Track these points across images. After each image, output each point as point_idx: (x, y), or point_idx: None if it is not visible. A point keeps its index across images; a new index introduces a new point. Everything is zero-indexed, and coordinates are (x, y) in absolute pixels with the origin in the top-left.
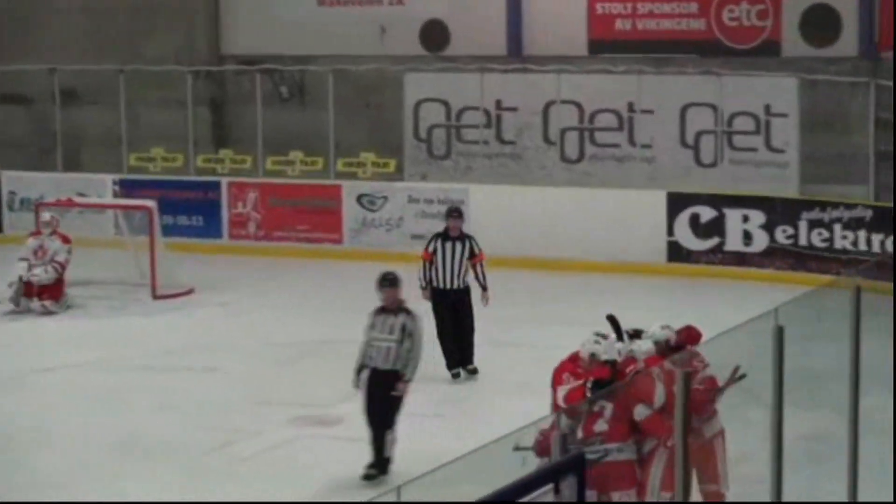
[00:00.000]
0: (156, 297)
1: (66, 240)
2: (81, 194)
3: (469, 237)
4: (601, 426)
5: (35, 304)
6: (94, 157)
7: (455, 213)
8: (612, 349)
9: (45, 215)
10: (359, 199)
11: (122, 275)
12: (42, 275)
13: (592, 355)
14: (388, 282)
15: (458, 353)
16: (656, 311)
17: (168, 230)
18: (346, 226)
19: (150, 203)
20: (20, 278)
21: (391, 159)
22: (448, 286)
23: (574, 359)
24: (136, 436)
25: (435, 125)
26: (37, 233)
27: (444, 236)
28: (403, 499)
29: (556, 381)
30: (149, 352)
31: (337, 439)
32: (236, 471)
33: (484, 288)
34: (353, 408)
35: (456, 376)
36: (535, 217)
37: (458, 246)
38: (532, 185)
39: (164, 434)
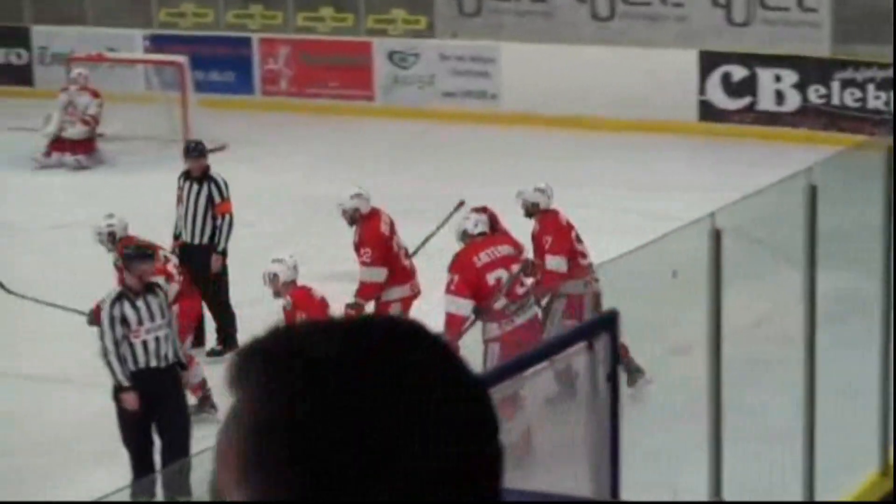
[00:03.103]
0: None
1: (95, 94)
2: (112, 49)
3: (214, 179)
4: None
5: (68, 158)
6: (123, 12)
7: (195, 150)
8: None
9: (75, 70)
10: (390, 56)
11: (154, 130)
12: (73, 130)
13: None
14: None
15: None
16: (687, 169)
17: (199, 86)
18: (377, 83)
19: (181, 58)
20: (52, 133)
21: (422, 16)
22: (191, 240)
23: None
24: None
25: None
26: (67, 88)
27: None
28: None
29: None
30: None
31: None
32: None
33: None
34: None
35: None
36: (566, 75)
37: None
38: (563, 44)
39: None
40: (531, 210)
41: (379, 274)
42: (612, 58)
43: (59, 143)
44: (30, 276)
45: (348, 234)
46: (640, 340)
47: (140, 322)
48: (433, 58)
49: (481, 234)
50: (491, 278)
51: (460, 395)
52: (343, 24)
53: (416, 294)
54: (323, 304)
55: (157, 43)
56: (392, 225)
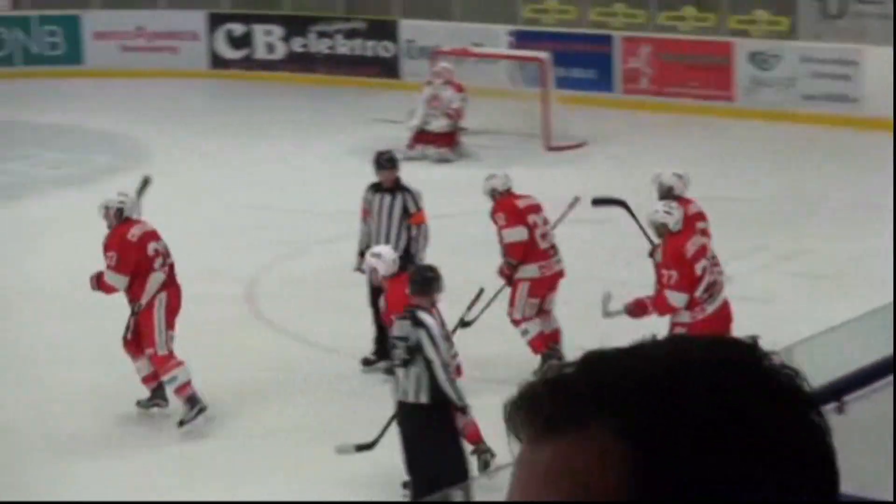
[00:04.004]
0: (548, 148)
1: (459, 89)
2: (477, 44)
3: (407, 189)
4: None
5: (430, 150)
6: (489, 8)
7: (387, 161)
8: None
9: (440, 64)
10: (751, 57)
11: (515, 125)
12: (437, 123)
13: None
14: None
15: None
16: None
17: (561, 83)
18: (737, 84)
19: (544, 55)
20: (416, 126)
21: (784, 17)
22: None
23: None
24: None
25: None
26: (432, 81)
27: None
28: None
29: None
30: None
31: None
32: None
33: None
34: (744, 266)
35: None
36: None
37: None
38: None
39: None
40: (664, 194)
41: (520, 233)
42: None
43: (422, 136)
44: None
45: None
46: None
47: None
48: (795, 60)
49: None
50: (698, 268)
51: (799, 415)
52: (705, 24)
53: (544, 276)
54: (525, 210)
55: (521, 39)
56: (532, 207)
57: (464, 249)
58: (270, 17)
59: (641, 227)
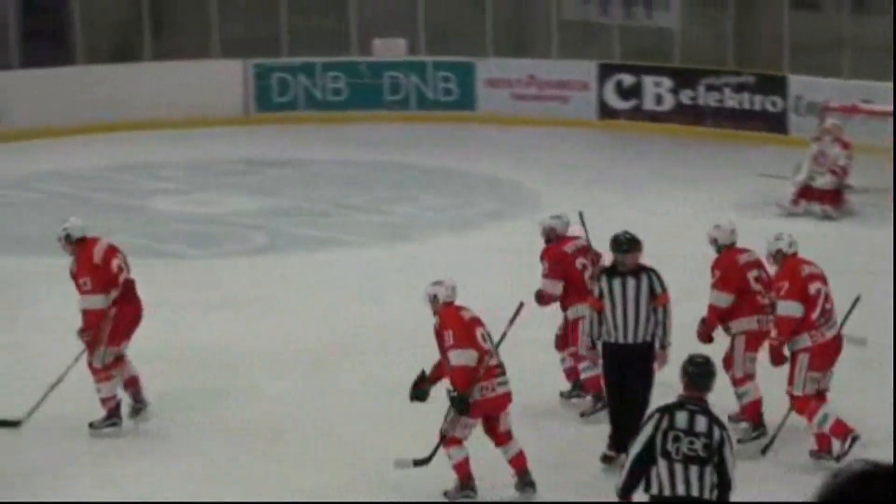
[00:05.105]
0: None
1: (846, 146)
2: (866, 101)
3: (651, 270)
4: None
5: (815, 207)
6: (878, 64)
7: (628, 243)
8: None
9: (828, 121)
10: None
11: None
12: (822, 180)
13: None
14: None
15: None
16: None
17: None
18: None
19: None
20: (801, 182)
21: None
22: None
23: None
24: None
25: None
26: (819, 138)
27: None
28: None
29: None
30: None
31: None
32: None
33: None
34: None
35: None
36: None
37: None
38: None
39: None
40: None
41: (554, 286)
42: None
43: (807, 192)
44: None
45: None
46: None
47: None
48: None
49: (794, 252)
50: (812, 289)
51: None
52: None
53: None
54: (472, 322)
55: None
56: (579, 250)
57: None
58: (660, 69)
59: None
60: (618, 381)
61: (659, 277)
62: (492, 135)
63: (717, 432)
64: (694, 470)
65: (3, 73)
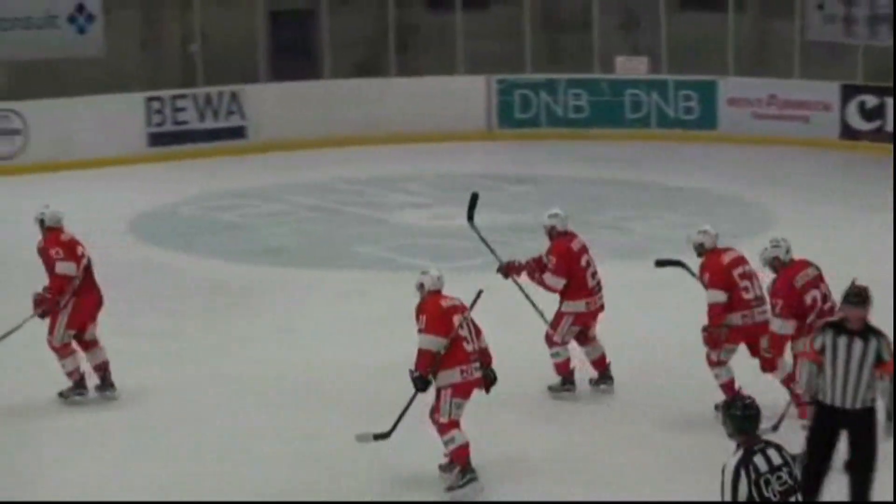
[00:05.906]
0: None
1: None
2: None
3: (880, 333)
4: None
5: None
6: None
7: (857, 296)
8: None
9: None
10: None
11: None
12: None
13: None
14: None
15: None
16: None
17: None
18: None
19: None
20: None
21: None
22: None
23: None
24: None
25: None
26: None
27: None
28: None
29: None
30: None
31: None
32: None
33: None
34: None
35: None
36: None
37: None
38: None
39: None
40: (697, 250)
41: (557, 282)
42: None
43: None
44: None
45: None
46: None
47: None
48: None
49: (790, 259)
50: (808, 298)
51: None
52: None
53: (589, 311)
54: (451, 309)
55: None
56: (584, 246)
57: None
58: None
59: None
60: (827, 442)
61: (888, 343)
62: (732, 154)
63: (786, 454)
64: (793, 500)
65: (252, 86)
